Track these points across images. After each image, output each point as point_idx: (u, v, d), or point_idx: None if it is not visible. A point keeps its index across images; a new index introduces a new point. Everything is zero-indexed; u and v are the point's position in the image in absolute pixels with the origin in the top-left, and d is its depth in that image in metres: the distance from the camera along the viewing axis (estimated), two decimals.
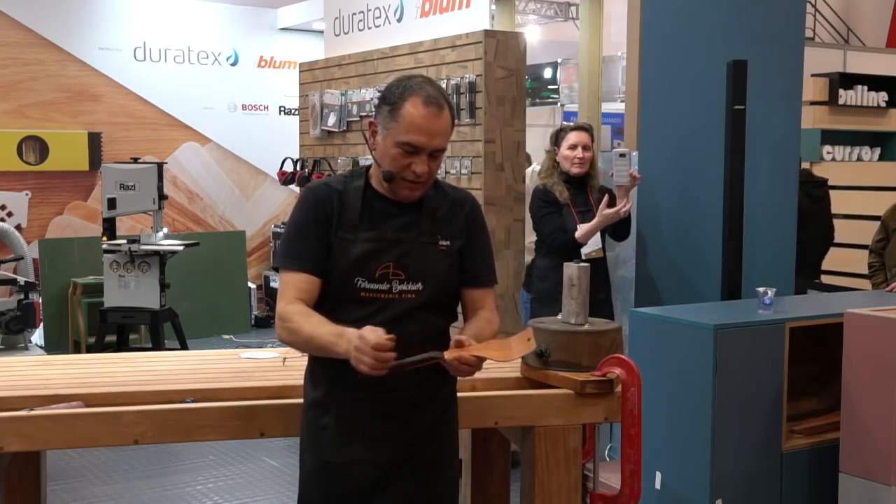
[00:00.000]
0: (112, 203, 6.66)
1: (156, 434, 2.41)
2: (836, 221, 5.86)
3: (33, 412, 2.38)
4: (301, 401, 2.41)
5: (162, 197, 6.70)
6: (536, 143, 6.56)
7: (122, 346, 6.92)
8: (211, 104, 9.64)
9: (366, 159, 5.74)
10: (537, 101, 9.36)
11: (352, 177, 2.38)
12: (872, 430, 3.39)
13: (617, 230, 4.39)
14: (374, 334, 2.09)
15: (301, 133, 6.97)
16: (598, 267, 4.17)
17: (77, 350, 7.85)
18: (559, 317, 2.75)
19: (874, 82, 8.91)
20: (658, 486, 3.67)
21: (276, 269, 2.35)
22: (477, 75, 5.05)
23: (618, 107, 8.13)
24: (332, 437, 2.31)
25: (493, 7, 7.35)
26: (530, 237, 4.95)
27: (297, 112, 8.18)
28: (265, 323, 9.20)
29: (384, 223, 2.31)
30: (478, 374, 2.30)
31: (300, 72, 7.00)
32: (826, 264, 5.95)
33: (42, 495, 2.98)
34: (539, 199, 4.39)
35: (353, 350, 2.10)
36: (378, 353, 2.07)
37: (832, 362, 3.76)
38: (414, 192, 2.31)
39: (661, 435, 3.60)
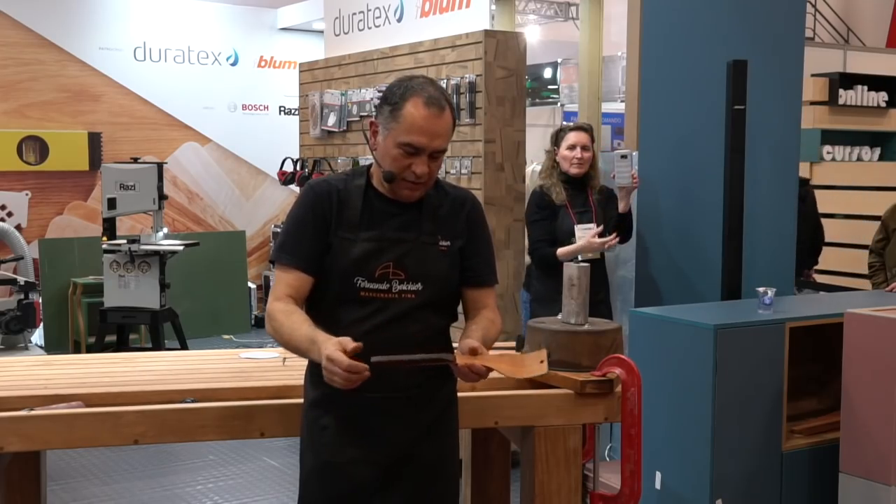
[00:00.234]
0: (112, 203, 6.66)
1: (156, 434, 2.41)
2: (836, 222, 5.87)
3: (33, 412, 2.38)
4: (301, 401, 2.41)
5: (162, 197, 6.70)
6: (536, 143, 6.56)
7: (122, 346, 6.92)
8: (211, 104, 9.63)
9: (366, 159, 5.74)
10: (537, 101, 9.35)
11: (353, 175, 2.38)
12: (872, 430, 3.39)
13: (620, 232, 4.39)
14: (342, 356, 2.06)
15: (301, 133, 6.97)
16: (597, 267, 4.17)
17: (77, 350, 7.84)
18: (559, 317, 2.75)
19: (874, 82, 8.90)
20: (658, 486, 3.67)
21: (272, 263, 2.35)
22: (477, 75, 5.05)
23: (618, 107, 8.14)
24: (333, 437, 2.30)
25: (493, 7, 7.36)
26: None
27: (297, 112, 8.18)
28: (265, 323, 9.18)
29: (384, 223, 2.30)
30: None
31: (300, 72, 7.00)
32: (826, 264, 5.95)
33: (42, 495, 2.98)
34: (534, 203, 4.40)
35: (324, 367, 2.10)
36: (350, 375, 2.06)
37: (832, 362, 3.76)
38: (414, 193, 2.30)
39: (661, 435, 3.60)
